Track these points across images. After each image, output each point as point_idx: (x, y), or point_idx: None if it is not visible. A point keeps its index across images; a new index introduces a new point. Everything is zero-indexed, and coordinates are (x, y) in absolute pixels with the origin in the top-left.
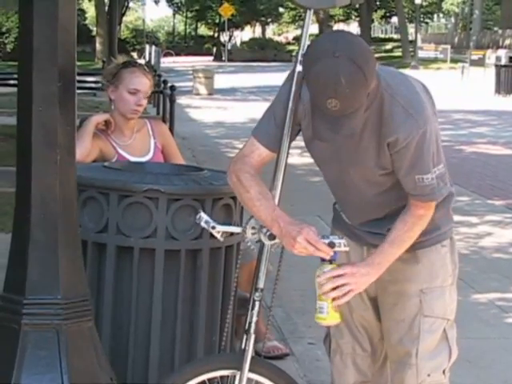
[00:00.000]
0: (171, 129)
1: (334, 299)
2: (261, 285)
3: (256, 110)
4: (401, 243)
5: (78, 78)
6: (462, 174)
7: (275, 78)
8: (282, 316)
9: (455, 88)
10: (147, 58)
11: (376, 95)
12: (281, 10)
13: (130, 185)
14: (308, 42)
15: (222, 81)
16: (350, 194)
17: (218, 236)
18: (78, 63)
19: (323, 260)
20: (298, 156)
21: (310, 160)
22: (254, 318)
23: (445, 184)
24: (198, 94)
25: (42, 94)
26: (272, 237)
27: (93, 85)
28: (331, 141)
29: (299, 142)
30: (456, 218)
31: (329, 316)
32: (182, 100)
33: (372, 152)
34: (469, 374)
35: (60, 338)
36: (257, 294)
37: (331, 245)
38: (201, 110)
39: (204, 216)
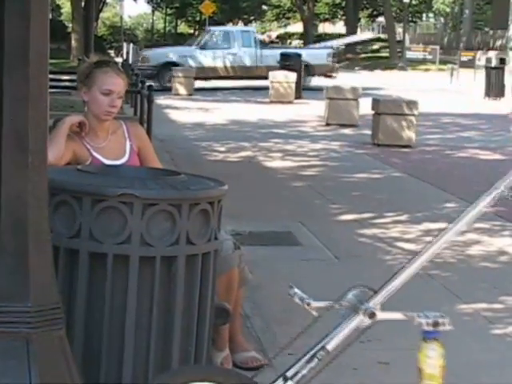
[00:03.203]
0: (149, 130)
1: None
2: (329, 347)
3: (237, 111)
4: None
5: (52, 76)
6: (450, 179)
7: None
8: (261, 326)
9: (444, 90)
10: (125, 57)
11: None
12: (264, 7)
13: (104, 189)
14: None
15: (202, 81)
16: None
17: (314, 313)
18: (53, 61)
19: (426, 337)
20: (279, 160)
21: (292, 164)
22: (304, 372)
23: None
24: (177, 95)
25: (13, 95)
26: (373, 315)
27: (68, 83)
28: None
29: (282, 145)
30: (443, 225)
31: None
32: (160, 100)
33: None
34: None
35: (29, 347)
36: (321, 352)
37: (435, 325)
38: (180, 110)
39: (298, 292)
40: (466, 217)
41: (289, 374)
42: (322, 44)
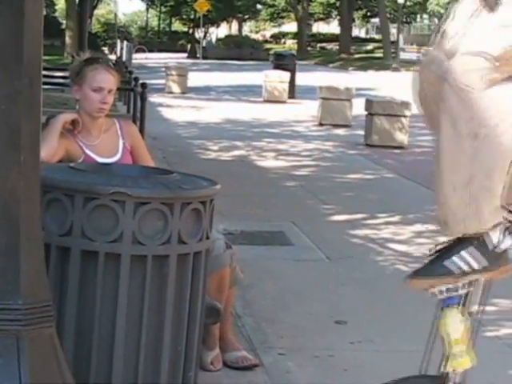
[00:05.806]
0: (142, 128)
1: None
2: None
3: (231, 110)
4: None
5: (45, 73)
6: None
7: (251, 77)
8: (251, 325)
9: None
10: (118, 54)
11: None
12: (258, 6)
13: (96, 187)
14: None
15: (195, 79)
16: None
17: None
18: (47, 57)
19: (445, 306)
20: (272, 159)
21: (285, 163)
22: None
23: None
24: (170, 93)
25: (6, 92)
26: None
27: (61, 80)
28: None
29: (275, 144)
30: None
31: (467, 358)
32: (153, 98)
33: None
34: None
35: (19, 344)
36: None
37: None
38: (173, 109)
39: None
40: None
41: None
42: None
